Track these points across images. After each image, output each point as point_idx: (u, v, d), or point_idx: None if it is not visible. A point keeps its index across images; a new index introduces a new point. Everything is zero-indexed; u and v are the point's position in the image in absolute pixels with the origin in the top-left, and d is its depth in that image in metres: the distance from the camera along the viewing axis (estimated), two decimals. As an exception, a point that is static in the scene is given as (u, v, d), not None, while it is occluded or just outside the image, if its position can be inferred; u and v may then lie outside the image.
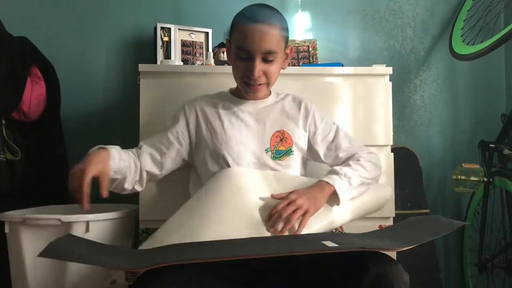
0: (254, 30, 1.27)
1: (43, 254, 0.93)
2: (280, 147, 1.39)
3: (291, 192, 1.26)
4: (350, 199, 1.33)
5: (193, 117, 1.41)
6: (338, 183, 1.29)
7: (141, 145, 1.41)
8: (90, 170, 1.18)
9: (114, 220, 1.49)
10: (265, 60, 1.30)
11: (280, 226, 1.20)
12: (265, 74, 1.32)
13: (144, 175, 1.39)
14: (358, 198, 1.36)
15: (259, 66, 1.29)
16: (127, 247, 1.59)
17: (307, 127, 1.45)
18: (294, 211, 1.20)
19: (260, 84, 1.33)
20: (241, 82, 1.35)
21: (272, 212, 1.21)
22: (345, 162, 1.41)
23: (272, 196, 1.25)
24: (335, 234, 1.21)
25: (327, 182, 1.30)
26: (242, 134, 1.38)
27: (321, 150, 1.44)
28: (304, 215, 1.22)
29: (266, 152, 1.38)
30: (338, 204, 1.30)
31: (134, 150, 1.40)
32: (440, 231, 1.08)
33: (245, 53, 1.29)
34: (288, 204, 1.21)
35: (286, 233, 1.19)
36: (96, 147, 1.30)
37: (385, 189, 1.49)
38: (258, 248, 1.01)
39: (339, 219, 1.33)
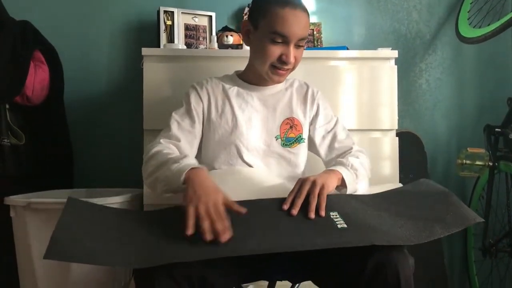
0: (294, 15, 1.25)
1: (48, 255, 0.89)
2: (290, 134, 1.37)
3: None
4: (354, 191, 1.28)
5: (206, 98, 1.37)
6: (345, 172, 1.25)
7: (179, 138, 1.30)
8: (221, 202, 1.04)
9: (118, 204, 1.49)
10: (297, 45, 1.29)
11: (298, 206, 1.11)
12: (295, 59, 1.30)
13: None
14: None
15: (293, 51, 1.28)
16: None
17: (312, 114, 1.44)
18: (312, 190, 1.12)
19: (288, 69, 1.32)
20: (269, 66, 1.31)
21: (289, 197, 1.13)
22: (342, 155, 1.37)
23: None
24: (346, 200, 1.16)
25: (333, 170, 1.25)
26: (252, 120, 1.36)
27: (317, 136, 1.42)
28: (322, 189, 1.13)
29: (276, 139, 1.36)
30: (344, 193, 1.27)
31: (174, 147, 1.28)
32: (456, 225, 1.05)
33: (282, 38, 1.26)
34: (301, 185, 1.15)
35: (314, 213, 1.10)
36: (187, 168, 1.10)
37: None
38: (266, 242, 0.99)
39: None
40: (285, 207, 1.12)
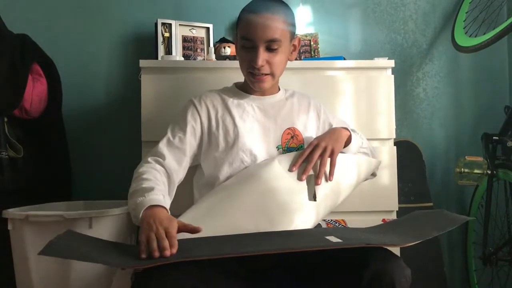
0: (257, 18, 1.28)
1: (44, 252, 0.93)
2: (291, 144, 1.38)
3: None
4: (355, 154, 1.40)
5: (204, 112, 1.37)
6: (353, 134, 1.38)
7: (164, 156, 1.29)
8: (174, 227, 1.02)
9: (117, 216, 1.49)
10: (269, 49, 1.30)
11: (308, 171, 1.24)
12: (269, 63, 1.31)
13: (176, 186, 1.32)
14: (355, 165, 1.38)
15: (262, 55, 1.29)
16: (129, 243, 1.59)
17: (320, 125, 1.45)
18: (321, 155, 1.25)
19: (265, 74, 1.32)
20: (247, 73, 1.34)
21: (299, 161, 1.25)
22: None
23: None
24: (339, 229, 1.21)
25: (344, 128, 1.37)
26: (254, 130, 1.36)
27: None
28: (331, 155, 1.26)
29: (278, 149, 1.36)
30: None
31: (159, 167, 1.27)
32: (446, 226, 1.07)
33: (249, 42, 1.29)
34: (313, 150, 1.26)
35: (322, 179, 1.24)
36: (146, 206, 1.10)
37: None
38: (261, 245, 1.00)
39: (346, 186, 1.34)
40: (294, 169, 1.24)
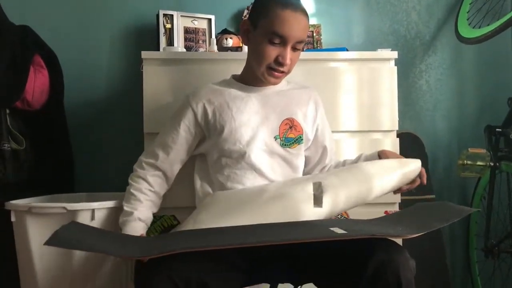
0: (294, 17, 1.27)
1: (49, 242, 0.93)
2: (289, 134, 1.37)
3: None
4: None
5: (201, 109, 1.37)
6: None
7: (157, 156, 1.38)
8: None
9: (119, 208, 1.49)
10: (294, 48, 1.30)
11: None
12: (291, 61, 1.31)
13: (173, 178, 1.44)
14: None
15: (290, 53, 1.29)
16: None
17: (316, 120, 1.44)
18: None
19: (283, 72, 1.33)
20: (265, 68, 1.32)
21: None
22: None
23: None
24: (343, 220, 1.21)
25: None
26: (252, 121, 1.36)
27: (328, 144, 1.47)
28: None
29: (275, 139, 1.36)
30: None
31: (152, 172, 1.39)
32: (450, 218, 1.07)
33: (280, 39, 1.27)
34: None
35: None
36: (131, 223, 1.30)
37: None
38: (266, 235, 1.00)
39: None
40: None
